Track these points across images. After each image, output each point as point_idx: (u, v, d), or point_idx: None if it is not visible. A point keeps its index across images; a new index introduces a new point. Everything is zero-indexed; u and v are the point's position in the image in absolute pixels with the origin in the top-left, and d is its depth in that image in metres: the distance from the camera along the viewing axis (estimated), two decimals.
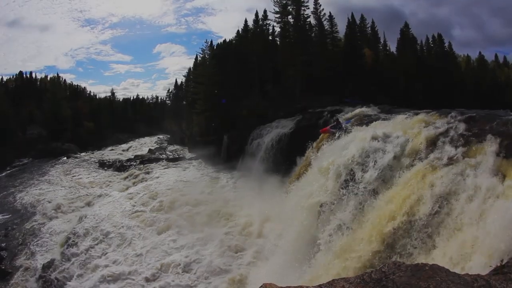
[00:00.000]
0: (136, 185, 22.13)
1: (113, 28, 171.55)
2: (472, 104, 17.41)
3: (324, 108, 20.05)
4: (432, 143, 8.28)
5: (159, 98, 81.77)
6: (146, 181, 22.78)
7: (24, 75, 53.95)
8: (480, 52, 37.64)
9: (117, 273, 11.40)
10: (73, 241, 13.87)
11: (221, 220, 14.73)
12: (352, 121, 14.07)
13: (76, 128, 45.31)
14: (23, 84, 51.87)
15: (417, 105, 15.44)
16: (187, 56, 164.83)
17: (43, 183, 25.18)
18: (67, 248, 13.38)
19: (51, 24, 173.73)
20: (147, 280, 11.05)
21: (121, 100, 73.86)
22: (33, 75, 55.46)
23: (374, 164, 8.81)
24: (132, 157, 34.88)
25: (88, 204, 19.36)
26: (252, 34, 29.93)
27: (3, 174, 30.55)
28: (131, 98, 78.13)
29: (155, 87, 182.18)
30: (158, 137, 57.75)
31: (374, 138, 9.62)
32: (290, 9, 27.05)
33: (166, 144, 48.80)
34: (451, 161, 7.30)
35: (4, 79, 53.59)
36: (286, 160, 18.08)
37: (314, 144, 14.65)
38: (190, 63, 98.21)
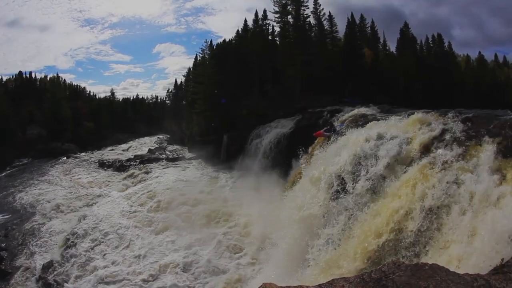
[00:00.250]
0: (135, 185, 22.12)
1: (113, 28, 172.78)
2: (472, 104, 17.38)
3: (324, 108, 19.96)
4: (426, 148, 7.85)
5: (159, 98, 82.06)
6: (145, 181, 22.75)
7: (24, 75, 53.96)
8: (479, 52, 37.82)
9: (116, 274, 11.37)
10: (72, 241, 13.83)
11: (220, 220, 14.71)
12: (346, 123, 13.52)
13: (76, 128, 45.28)
14: (23, 84, 51.82)
15: (417, 105, 15.37)
16: (186, 56, 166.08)
17: (43, 183, 25.11)
18: (66, 249, 13.34)
19: (51, 24, 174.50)
20: (146, 281, 11.00)
21: (121, 100, 74.19)
22: (33, 75, 55.60)
23: (366, 173, 8.39)
24: (132, 157, 34.81)
25: (88, 204, 19.32)
26: (252, 34, 29.91)
27: (3, 174, 30.49)
28: (131, 98, 78.48)
29: (155, 87, 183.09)
30: (158, 137, 57.64)
31: (368, 140, 9.24)
32: (290, 9, 27.03)
33: (165, 144, 48.70)
34: (445, 165, 6.90)
35: (4, 79, 53.78)
36: (286, 160, 18.01)
37: (310, 149, 14.24)
38: (189, 63, 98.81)
